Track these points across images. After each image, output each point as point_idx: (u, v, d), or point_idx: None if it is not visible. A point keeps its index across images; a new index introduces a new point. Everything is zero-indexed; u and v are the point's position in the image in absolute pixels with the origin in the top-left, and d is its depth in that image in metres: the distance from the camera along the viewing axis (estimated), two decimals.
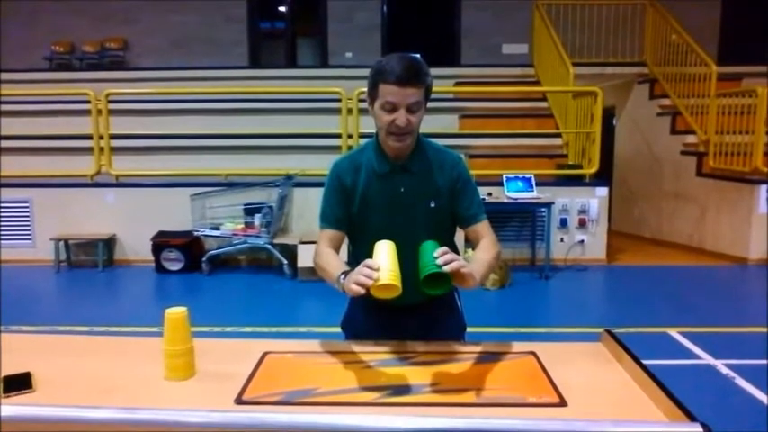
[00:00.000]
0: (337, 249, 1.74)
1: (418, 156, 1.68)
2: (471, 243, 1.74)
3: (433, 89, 1.66)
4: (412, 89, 1.53)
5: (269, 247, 5.63)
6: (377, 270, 1.32)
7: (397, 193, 1.68)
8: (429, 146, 1.73)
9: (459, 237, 1.81)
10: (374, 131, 1.70)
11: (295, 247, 5.49)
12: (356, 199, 1.70)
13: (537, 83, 8.11)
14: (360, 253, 1.75)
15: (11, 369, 1.36)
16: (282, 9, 10.04)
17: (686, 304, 4.77)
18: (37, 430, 1.10)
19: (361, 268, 1.36)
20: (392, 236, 1.69)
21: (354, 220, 1.73)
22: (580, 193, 6.02)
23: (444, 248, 1.38)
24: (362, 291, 1.33)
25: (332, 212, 1.73)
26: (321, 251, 1.70)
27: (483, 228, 1.72)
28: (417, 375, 1.40)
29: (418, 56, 1.61)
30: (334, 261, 1.63)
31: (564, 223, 6.00)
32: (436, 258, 1.35)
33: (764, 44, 8.35)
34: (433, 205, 1.68)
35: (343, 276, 1.48)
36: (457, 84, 8.14)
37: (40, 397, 1.28)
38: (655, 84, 7.71)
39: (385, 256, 1.39)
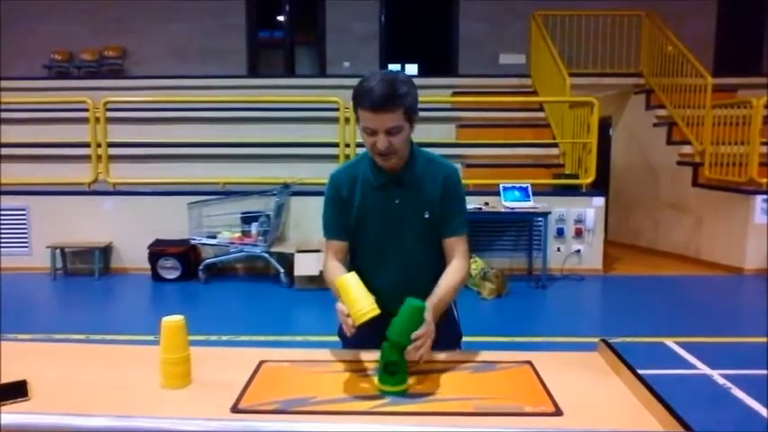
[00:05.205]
0: (344, 259, 1.78)
1: (412, 167, 1.70)
2: (445, 255, 1.74)
3: (431, 99, 1.68)
4: (388, 114, 1.53)
5: (266, 255, 5.63)
6: (348, 316, 1.42)
7: (392, 205, 1.69)
8: (424, 156, 1.74)
9: None
10: None
11: (292, 255, 5.48)
12: (353, 211, 1.72)
13: (534, 93, 8.14)
14: (358, 263, 1.77)
15: (6, 377, 1.35)
16: (281, 18, 10.08)
17: (682, 314, 4.77)
18: None
19: (339, 314, 1.47)
20: (388, 247, 1.71)
21: (352, 231, 1.75)
22: (577, 203, 6.04)
23: (421, 335, 1.41)
24: (354, 330, 1.43)
25: (334, 223, 1.77)
26: (327, 264, 1.76)
27: (457, 244, 1.72)
28: (414, 384, 1.40)
29: (398, 74, 1.58)
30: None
31: (560, 233, 6.00)
32: (412, 341, 1.40)
33: (759, 55, 8.43)
34: (427, 216, 1.70)
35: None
36: (454, 93, 8.16)
37: (36, 405, 1.27)
38: (651, 94, 7.75)
39: (352, 293, 1.43)
